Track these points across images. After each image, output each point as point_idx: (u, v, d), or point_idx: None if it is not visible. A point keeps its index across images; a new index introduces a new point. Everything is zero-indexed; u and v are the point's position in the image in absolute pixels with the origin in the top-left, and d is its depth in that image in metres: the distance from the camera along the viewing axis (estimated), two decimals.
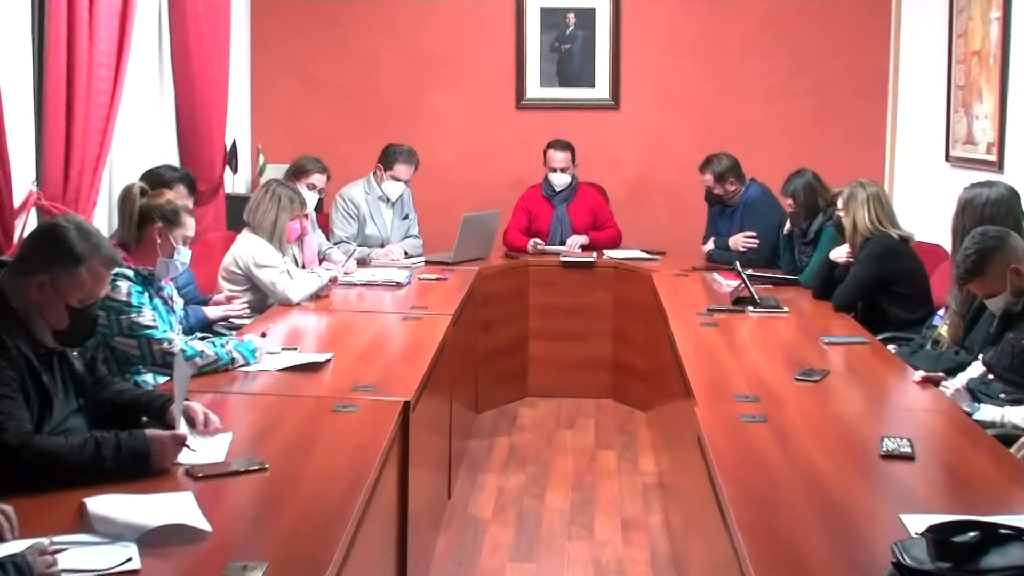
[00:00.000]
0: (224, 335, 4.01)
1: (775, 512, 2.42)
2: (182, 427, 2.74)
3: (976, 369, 3.55)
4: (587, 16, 6.88)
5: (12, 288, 2.65)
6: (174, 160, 5.50)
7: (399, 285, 5.16)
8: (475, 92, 6.98)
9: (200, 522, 2.25)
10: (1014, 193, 4.10)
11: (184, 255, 3.74)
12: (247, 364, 3.55)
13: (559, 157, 6.27)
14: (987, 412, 3.26)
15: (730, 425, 3.07)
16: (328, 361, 3.65)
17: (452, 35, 6.95)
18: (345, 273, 5.13)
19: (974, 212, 4.01)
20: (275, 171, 6.00)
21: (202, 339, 3.63)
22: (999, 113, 5.03)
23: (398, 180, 5.91)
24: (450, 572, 3.95)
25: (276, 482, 2.57)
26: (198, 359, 3.44)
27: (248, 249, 4.72)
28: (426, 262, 5.81)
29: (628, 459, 5.22)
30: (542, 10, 6.89)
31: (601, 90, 6.94)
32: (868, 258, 4.62)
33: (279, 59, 6.95)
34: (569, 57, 6.94)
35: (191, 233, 3.78)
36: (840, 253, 4.78)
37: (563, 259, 6.11)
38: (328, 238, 5.81)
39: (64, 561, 2.04)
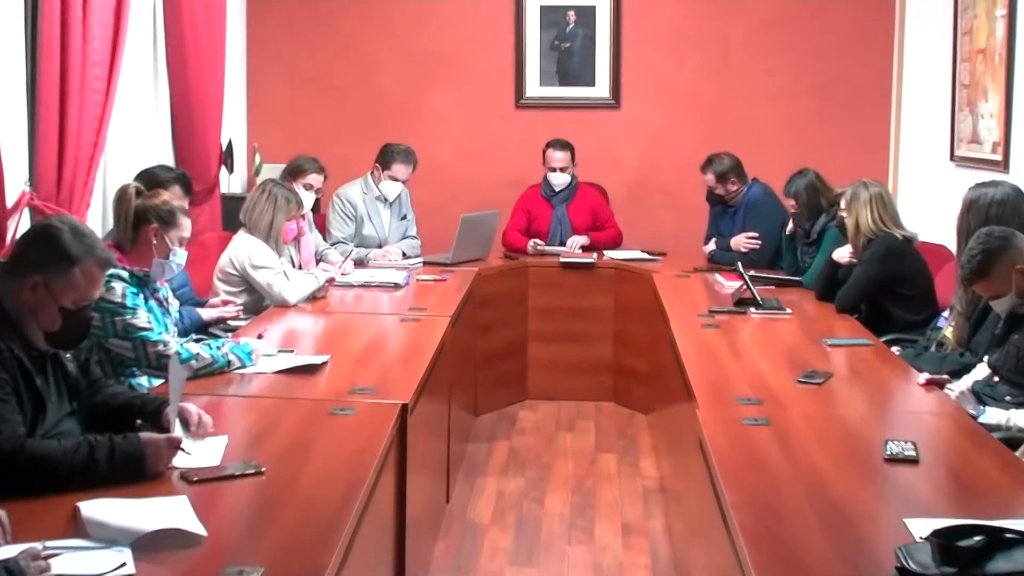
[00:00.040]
0: (220, 337, 3.99)
1: (778, 516, 2.41)
2: (177, 430, 2.71)
3: (981, 371, 3.53)
4: (587, 14, 6.86)
5: (5, 289, 2.64)
6: (169, 160, 5.49)
7: (397, 286, 5.13)
8: (473, 91, 6.95)
9: (195, 527, 2.24)
10: (1020, 193, 4.08)
11: (180, 256, 3.72)
12: (243, 366, 3.54)
13: (558, 156, 6.25)
14: (992, 415, 3.24)
15: (732, 428, 3.05)
16: (325, 363, 3.64)
17: (450, 33, 6.92)
18: (342, 274, 5.10)
19: (979, 212, 4.00)
20: (271, 171, 5.98)
21: (197, 341, 3.62)
22: (1004, 112, 5.00)
23: (396, 180, 5.89)
24: None
25: (272, 486, 2.55)
26: (193, 362, 3.42)
27: (244, 250, 4.69)
28: (424, 263, 5.78)
29: (629, 463, 5.19)
30: (542, 8, 6.87)
31: (601, 89, 6.91)
32: (871, 259, 4.59)
33: (275, 57, 6.93)
34: (569, 55, 6.91)
35: (187, 234, 3.76)
36: (843, 253, 4.76)
37: (563, 260, 6.08)
38: (325, 239, 5.78)
39: (57, 566, 2.03)
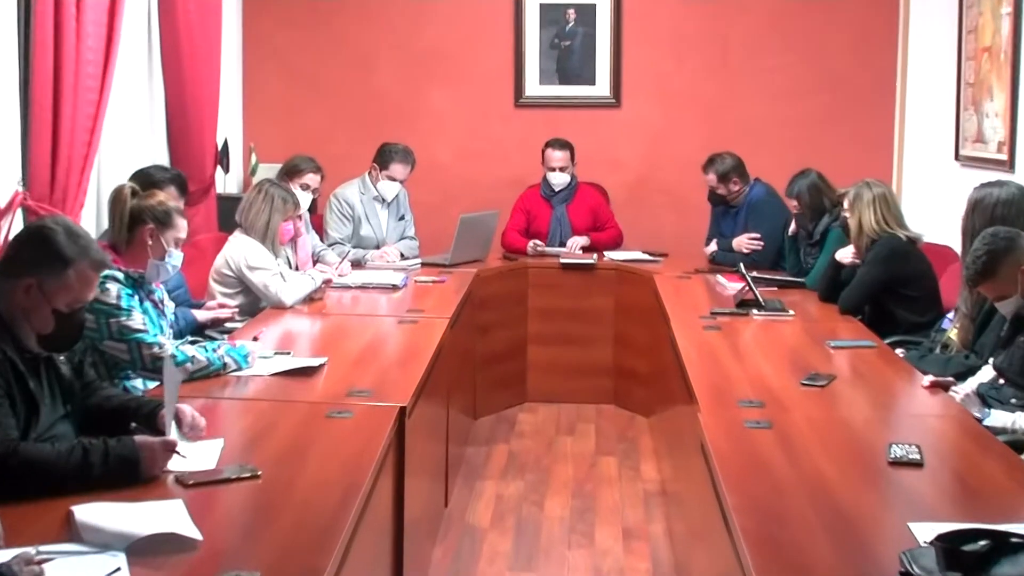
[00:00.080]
0: (216, 339, 3.96)
1: (780, 520, 2.39)
2: (172, 433, 2.70)
3: (986, 373, 3.52)
4: (587, 12, 6.83)
5: None
6: (164, 160, 5.47)
7: (395, 288, 5.11)
8: (472, 90, 6.93)
9: (191, 531, 2.23)
10: None
11: (176, 258, 3.71)
12: (239, 369, 3.51)
13: (557, 156, 6.22)
14: (998, 418, 3.22)
15: (734, 431, 3.03)
16: (322, 366, 3.62)
17: (449, 31, 6.90)
18: (339, 275, 5.07)
19: (984, 212, 3.98)
20: (268, 171, 5.97)
21: (193, 343, 3.59)
22: (1010, 111, 4.99)
23: (394, 180, 5.86)
24: None
25: (269, 489, 2.54)
26: (189, 364, 3.39)
27: (240, 251, 4.67)
28: (423, 264, 5.76)
29: (629, 466, 5.17)
30: (541, 6, 6.85)
31: (602, 88, 6.89)
32: (875, 260, 4.57)
33: (272, 56, 6.90)
34: (569, 54, 6.89)
35: (183, 235, 3.75)
36: (846, 254, 4.73)
37: (563, 261, 6.06)
38: (322, 239, 5.76)
39: (51, 571, 2.03)
